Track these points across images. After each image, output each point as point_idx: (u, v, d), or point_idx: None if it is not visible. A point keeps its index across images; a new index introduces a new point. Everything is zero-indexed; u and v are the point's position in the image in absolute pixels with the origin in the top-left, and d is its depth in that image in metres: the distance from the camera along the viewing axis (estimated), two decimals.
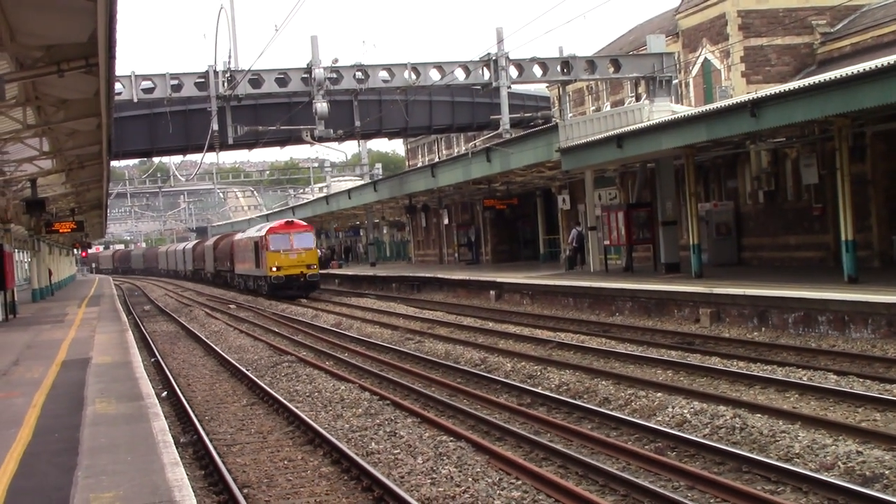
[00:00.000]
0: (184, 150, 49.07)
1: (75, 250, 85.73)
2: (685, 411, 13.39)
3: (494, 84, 36.31)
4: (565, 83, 38.91)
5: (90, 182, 37.79)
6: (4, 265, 32.30)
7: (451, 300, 39.51)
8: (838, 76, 20.04)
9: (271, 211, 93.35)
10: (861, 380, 15.15)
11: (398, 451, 12.48)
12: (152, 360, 24.27)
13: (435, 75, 37.15)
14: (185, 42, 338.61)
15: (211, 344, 26.86)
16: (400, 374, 19.91)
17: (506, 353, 21.12)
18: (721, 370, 16.74)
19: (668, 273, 30.70)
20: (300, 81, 35.60)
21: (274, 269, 45.61)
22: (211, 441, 13.58)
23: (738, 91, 36.12)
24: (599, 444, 12.39)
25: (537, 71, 37.50)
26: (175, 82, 35.23)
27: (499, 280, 36.91)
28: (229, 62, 35.54)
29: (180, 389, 18.65)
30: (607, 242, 35.68)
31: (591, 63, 38.21)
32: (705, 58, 40.51)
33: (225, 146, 40.29)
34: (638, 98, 41.55)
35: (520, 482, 10.83)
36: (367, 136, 54.20)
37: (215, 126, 35.91)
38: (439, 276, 44.34)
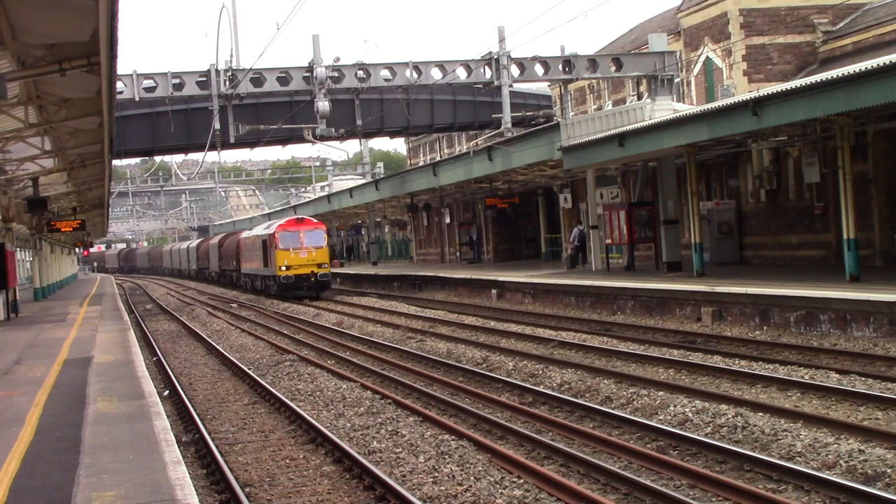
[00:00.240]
0: (185, 149, 49.02)
1: (77, 249, 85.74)
2: (687, 410, 13.38)
3: (496, 83, 36.31)
4: (567, 82, 38.91)
5: (92, 181, 37.80)
6: (6, 264, 32.31)
7: (453, 299, 39.51)
8: (840, 75, 20.02)
9: (273, 210, 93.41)
10: (863, 378, 15.14)
11: (400, 449, 12.48)
12: (154, 358, 24.28)
13: (436, 74, 37.15)
14: (186, 41, 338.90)
15: (212, 343, 26.86)
16: (402, 372, 19.92)
17: (507, 351, 21.12)
18: (723, 369, 16.73)
19: (670, 272, 30.69)
20: (302, 80, 35.61)
21: (283, 268, 43.95)
22: (213, 440, 13.58)
23: (740, 90, 36.12)
24: (601, 442, 12.39)
25: (539, 70, 37.49)
26: (177, 81, 35.24)
27: (500, 279, 36.91)
28: (231, 61, 35.56)
29: (182, 388, 18.65)
30: (609, 241, 35.67)
31: (592, 62, 38.20)
32: (707, 56, 40.50)
33: (226, 145, 40.29)
34: (639, 97, 41.53)
35: (521, 481, 10.83)
36: (369, 135, 54.17)
37: (217, 125, 35.92)
38: (441, 274, 44.35)
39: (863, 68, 19.28)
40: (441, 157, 72.87)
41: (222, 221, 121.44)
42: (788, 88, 22.10)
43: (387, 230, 79.67)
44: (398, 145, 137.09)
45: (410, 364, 20.88)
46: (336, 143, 60.68)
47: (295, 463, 12.46)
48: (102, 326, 28.28)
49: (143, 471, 9.42)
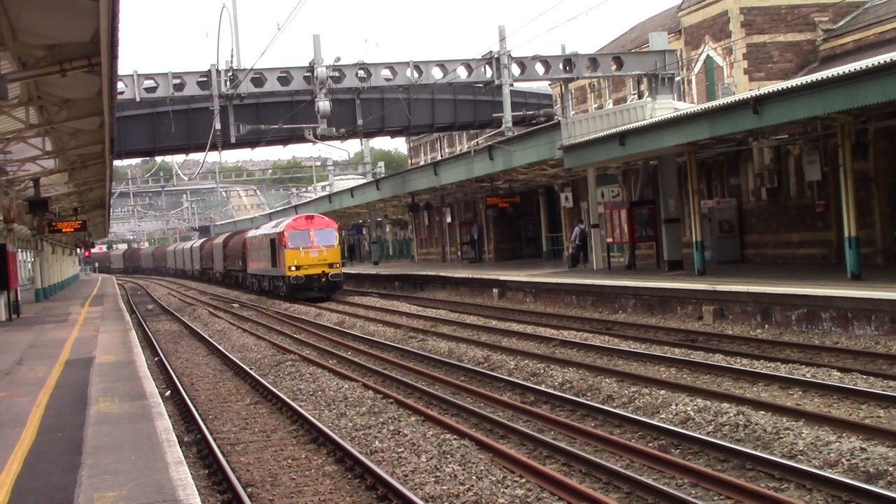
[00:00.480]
0: (186, 150, 49.12)
1: (78, 250, 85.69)
2: (689, 408, 13.38)
3: (497, 82, 36.35)
4: (567, 81, 38.95)
5: (93, 181, 37.82)
6: (7, 265, 32.32)
7: (454, 298, 39.52)
8: (841, 73, 20.01)
9: (274, 210, 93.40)
10: (865, 376, 15.14)
11: (402, 449, 12.48)
12: (156, 359, 24.29)
13: (437, 73, 37.17)
14: (187, 41, 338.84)
15: (214, 343, 26.87)
16: (403, 372, 19.92)
17: (509, 351, 21.12)
18: (724, 367, 16.73)
19: (671, 270, 30.67)
20: (302, 80, 35.65)
21: (292, 268, 42.14)
22: (214, 440, 13.59)
23: (741, 88, 36.12)
24: (603, 441, 12.39)
25: (539, 69, 37.52)
26: (177, 81, 35.28)
27: (502, 278, 36.91)
28: (231, 61, 35.62)
29: (184, 388, 18.66)
30: (610, 240, 35.66)
31: (593, 61, 38.22)
32: (708, 55, 40.50)
33: (227, 145, 40.35)
34: (640, 95, 41.53)
35: (523, 480, 10.84)
36: (370, 134, 54.23)
37: (218, 125, 35.97)
38: (442, 274, 44.35)
39: (864, 66, 19.28)
40: (442, 156, 72.89)
41: (223, 221, 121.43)
42: (789, 87, 22.09)
43: (388, 230, 79.70)
44: (399, 145, 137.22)
45: (412, 363, 20.88)
46: (337, 143, 60.84)
47: (297, 463, 12.47)
48: (104, 327, 28.29)
49: (145, 471, 9.43)
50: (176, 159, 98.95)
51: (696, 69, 41.53)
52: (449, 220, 58.57)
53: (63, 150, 27.71)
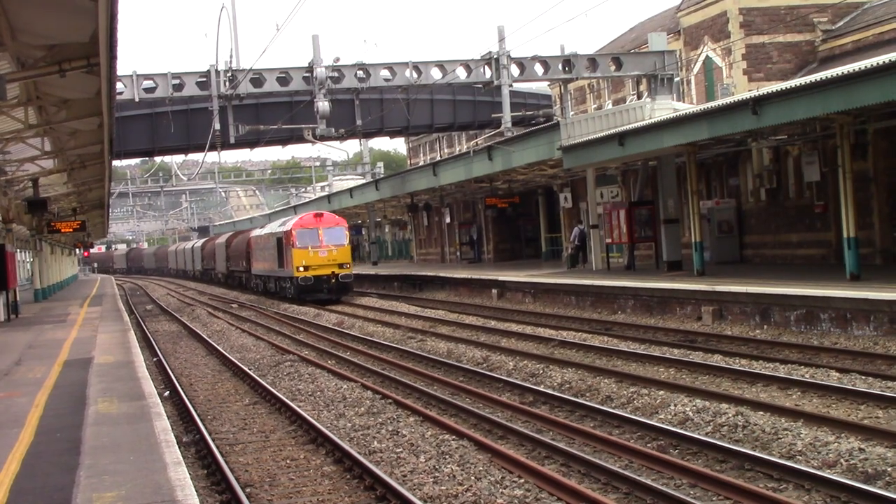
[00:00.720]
0: (185, 150, 49.06)
1: (77, 250, 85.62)
2: (687, 409, 13.38)
3: (496, 82, 36.33)
4: (567, 81, 38.93)
5: (92, 182, 37.83)
6: (6, 265, 32.32)
7: (453, 299, 39.52)
8: (840, 74, 20.02)
9: (273, 210, 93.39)
10: (863, 377, 15.14)
11: (400, 449, 12.48)
12: (154, 359, 24.28)
13: (436, 74, 37.16)
14: (186, 41, 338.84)
15: (213, 343, 26.86)
16: (402, 372, 19.92)
17: (508, 351, 21.12)
18: (723, 368, 16.73)
19: (671, 271, 30.68)
20: (302, 80, 35.63)
21: (301, 268, 40.44)
22: (213, 440, 13.58)
23: (740, 89, 36.12)
24: (602, 442, 12.39)
25: (539, 69, 37.51)
26: (176, 82, 35.26)
27: (501, 278, 36.91)
28: (231, 61, 35.60)
29: (182, 389, 18.66)
30: (609, 240, 35.67)
31: (592, 61, 38.21)
32: (707, 55, 40.50)
33: (226, 145, 40.34)
34: (639, 96, 41.53)
35: (522, 480, 10.84)
36: (369, 134, 54.21)
37: (217, 125, 35.95)
38: (441, 274, 44.35)
39: (862, 67, 19.29)
40: (441, 156, 72.89)
41: (222, 222, 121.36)
42: (788, 87, 22.10)
43: (387, 230, 79.70)
44: (398, 145, 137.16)
45: (411, 364, 20.88)
46: (336, 143, 60.72)
47: (295, 463, 12.46)
48: (103, 327, 28.28)
49: (143, 471, 9.42)
50: (175, 159, 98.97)
51: (696, 70, 41.54)
52: (448, 220, 58.57)
53: (62, 151, 27.72)
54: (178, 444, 10.99)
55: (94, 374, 17.02)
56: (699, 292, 24.52)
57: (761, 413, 12.87)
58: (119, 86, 32.01)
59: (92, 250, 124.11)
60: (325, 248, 40.70)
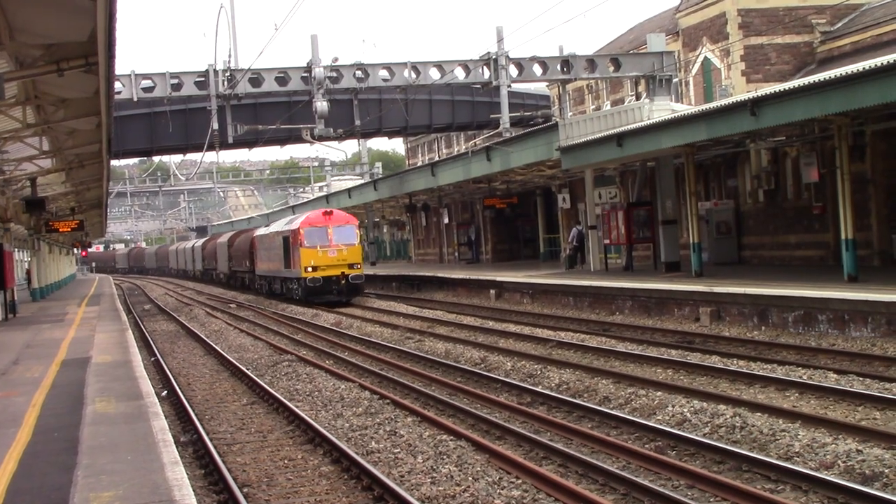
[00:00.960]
0: (184, 150, 49.06)
1: (75, 249, 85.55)
2: (685, 410, 13.38)
3: (494, 83, 36.31)
4: (565, 82, 38.91)
5: (90, 181, 37.79)
6: (4, 264, 32.29)
7: (452, 299, 39.51)
8: (838, 75, 20.04)
9: (272, 210, 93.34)
10: (861, 378, 15.15)
11: (398, 450, 12.48)
12: (152, 359, 24.27)
13: (435, 74, 37.15)
14: (185, 41, 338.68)
15: (211, 343, 26.85)
16: (400, 373, 19.92)
17: (506, 351, 21.12)
18: (721, 369, 16.74)
19: (669, 272, 30.70)
20: (300, 80, 35.61)
21: (309, 269, 38.65)
22: (211, 440, 13.58)
23: (738, 90, 36.14)
24: (599, 442, 12.39)
25: (537, 70, 37.50)
26: (175, 81, 35.23)
27: (499, 279, 36.91)
28: (229, 61, 35.56)
29: (180, 388, 18.64)
30: (607, 241, 35.69)
31: (591, 62, 38.21)
32: (705, 56, 40.52)
33: (225, 145, 40.30)
34: (638, 97, 41.53)
35: (520, 481, 10.83)
36: (367, 135, 54.17)
37: (215, 125, 35.90)
38: (439, 275, 44.34)
39: (861, 68, 19.30)
40: (439, 157, 72.90)
41: (221, 222, 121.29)
42: (786, 88, 22.12)
43: (385, 230, 79.69)
44: (396, 145, 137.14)
45: (409, 364, 20.88)
46: (334, 144, 60.62)
47: (293, 463, 12.46)
48: (101, 327, 28.27)
49: (141, 471, 9.42)
50: (173, 159, 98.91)
51: (694, 71, 41.56)
52: (446, 220, 58.56)
53: (60, 150, 27.69)
54: (175, 443, 10.99)
55: (91, 374, 17.01)
56: (697, 293, 24.53)
57: (759, 414, 12.88)
58: (117, 85, 31.97)
59: (92, 250, 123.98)
60: (335, 247, 39.10)
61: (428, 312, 32.83)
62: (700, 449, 11.65)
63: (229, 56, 35.94)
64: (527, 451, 12.36)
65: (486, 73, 36.49)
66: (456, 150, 70.57)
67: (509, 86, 36.95)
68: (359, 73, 36.37)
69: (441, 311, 33.59)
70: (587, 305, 29.81)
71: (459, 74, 37.10)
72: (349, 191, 62.05)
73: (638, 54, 40.05)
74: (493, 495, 10.25)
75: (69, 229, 41.27)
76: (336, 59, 36.23)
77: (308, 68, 35.18)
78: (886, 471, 10.04)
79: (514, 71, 36.73)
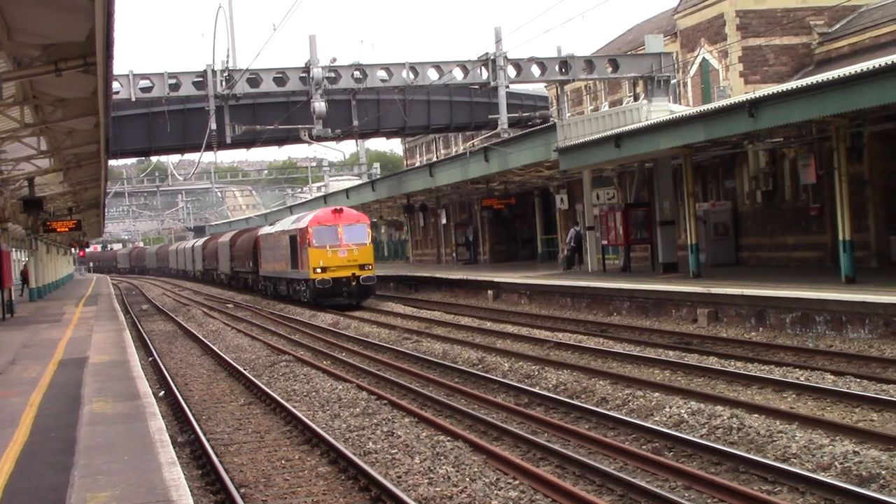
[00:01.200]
0: (182, 150, 49.06)
1: (73, 249, 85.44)
2: (682, 411, 13.39)
3: (492, 84, 36.31)
4: (563, 83, 38.92)
5: (88, 181, 37.77)
6: (2, 264, 32.27)
7: (449, 300, 39.51)
8: (836, 76, 20.05)
9: (270, 210, 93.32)
10: (858, 380, 15.16)
11: (395, 450, 12.48)
12: (149, 359, 24.26)
13: (433, 75, 37.14)
14: (183, 41, 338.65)
15: (208, 343, 26.84)
16: (397, 373, 19.91)
17: (503, 352, 21.12)
18: (718, 370, 16.74)
19: (666, 273, 30.71)
20: (298, 81, 35.59)
21: (318, 270, 36.84)
22: (208, 440, 13.57)
23: (736, 91, 36.14)
24: (597, 443, 12.39)
25: (535, 71, 37.51)
26: (173, 81, 35.22)
27: (496, 280, 36.91)
28: (227, 61, 35.53)
29: (177, 389, 18.64)
30: (605, 242, 35.70)
31: (589, 63, 38.22)
32: (703, 58, 40.53)
33: (223, 145, 40.31)
34: (636, 98, 41.54)
35: (517, 482, 10.84)
36: (365, 135, 54.18)
37: (213, 125, 35.88)
38: (437, 275, 44.34)
39: (859, 70, 19.30)
40: (437, 157, 72.90)
41: (218, 222, 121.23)
42: (784, 90, 22.13)
43: (383, 231, 79.68)
44: (395, 146, 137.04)
45: (406, 365, 20.88)
46: (332, 144, 60.46)
47: (290, 464, 12.46)
48: (98, 327, 28.25)
49: (138, 472, 9.41)
50: (171, 159, 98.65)
51: (692, 72, 41.57)
52: (444, 221, 58.57)
53: (58, 150, 27.67)
54: (172, 444, 10.98)
55: (89, 374, 17.00)
56: (695, 294, 24.53)
57: (756, 415, 12.88)
58: (115, 85, 31.94)
59: (90, 250, 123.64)
60: (346, 247, 37.22)
61: (425, 313, 32.84)
62: (697, 450, 11.66)
63: (227, 56, 35.90)
64: (524, 452, 12.36)
65: (485, 74, 36.49)
66: (454, 150, 70.55)
67: (507, 86, 36.93)
68: (357, 73, 36.37)
69: (439, 311, 33.58)
70: (585, 306, 29.81)
71: (458, 75, 37.09)
72: (347, 191, 62.01)
73: (636, 55, 40.06)
74: (490, 496, 10.25)
75: (67, 229, 41.23)
76: (334, 60, 36.22)
77: (306, 69, 35.18)
78: (883, 472, 10.05)
79: (512, 72, 36.74)
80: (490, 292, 36.98)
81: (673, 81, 39.26)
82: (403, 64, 36.79)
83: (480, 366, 19.64)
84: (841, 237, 22.81)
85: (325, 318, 33.06)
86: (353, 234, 37.59)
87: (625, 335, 23.29)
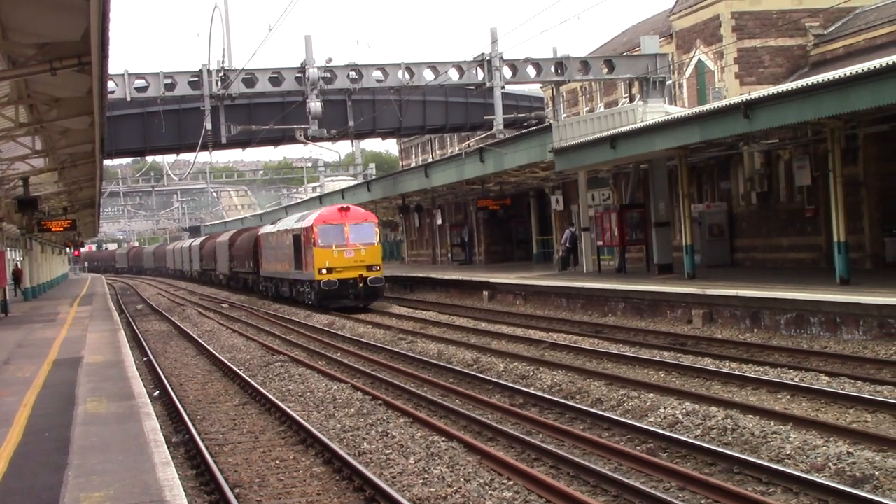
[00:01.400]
0: (177, 149, 49.05)
1: (68, 249, 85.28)
2: (677, 412, 13.40)
3: (488, 84, 36.34)
4: (559, 84, 38.96)
5: (83, 181, 37.71)
6: None
7: (444, 300, 39.50)
8: (831, 78, 20.08)
9: (265, 210, 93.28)
10: (852, 381, 15.18)
11: (390, 451, 12.48)
12: (144, 359, 24.23)
13: (429, 75, 37.16)
14: (178, 41, 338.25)
15: (203, 343, 26.82)
16: (392, 374, 19.91)
17: (498, 353, 21.12)
18: (713, 371, 16.76)
19: (661, 274, 30.72)
20: (294, 81, 35.60)
21: (323, 271, 35.44)
22: (202, 440, 13.56)
23: (732, 92, 36.18)
24: (591, 444, 12.40)
25: (531, 71, 37.54)
26: (168, 81, 35.21)
27: (492, 280, 36.91)
28: (223, 61, 35.55)
29: (172, 389, 18.62)
30: (600, 243, 35.70)
31: (584, 64, 38.25)
32: (699, 59, 40.57)
33: (218, 145, 40.27)
34: (632, 99, 41.59)
35: (511, 482, 10.84)
36: (361, 135, 54.17)
37: (209, 125, 35.89)
38: (432, 276, 44.33)
39: (854, 72, 19.33)
40: (433, 158, 72.90)
41: (214, 222, 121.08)
42: (780, 91, 22.15)
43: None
44: (390, 146, 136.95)
45: (401, 365, 20.87)
46: (328, 144, 60.46)
47: (285, 464, 12.45)
48: (93, 326, 28.22)
49: (132, 472, 9.41)
50: (167, 159, 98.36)
51: (688, 73, 41.60)
52: (439, 221, 58.55)
53: (53, 149, 27.63)
54: (167, 444, 10.98)
55: (83, 374, 16.98)
56: (690, 295, 24.55)
57: (750, 416, 12.90)
58: (111, 85, 31.96)
59: (90, 249, 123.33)
60: (352, 247, 35.76)
61: (420, 313, 32.84)
62: (692, 451, 11.67)
63: (223, 56, 35.96)
64: (519, 453, 12.36)
65: (480, 75, 36.51)
66: (449, 151, 70.59)
67: (503, 87, 36.98)
68: (353, 73, 36.38)
69: (434, 312, 33.58)
70: (580, 307, 29.82)
71: (453, 75, 37.12)
72: (342, 191, 62.00)
73: (632, 56, 40.11)
74: (484, 496, 10.25)
75: (62, 229, 41.20)
76: (330, 60, 36.22)
77: (302, 69, 35.18)
78: (877, 473, 10.06)
79: (507, 72, 36.77)
80: (485, 293, 36.98)
81: (668, 82, 39.31)
82: (399, 64, 36.81)
83: (475, 366, 19.64)
84: (836, 239, 22.82)
85: (320, 319, 33.05)
86: (361, 234, 36.26)
87: (620, 336, 23.30)
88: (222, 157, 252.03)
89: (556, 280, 33.12)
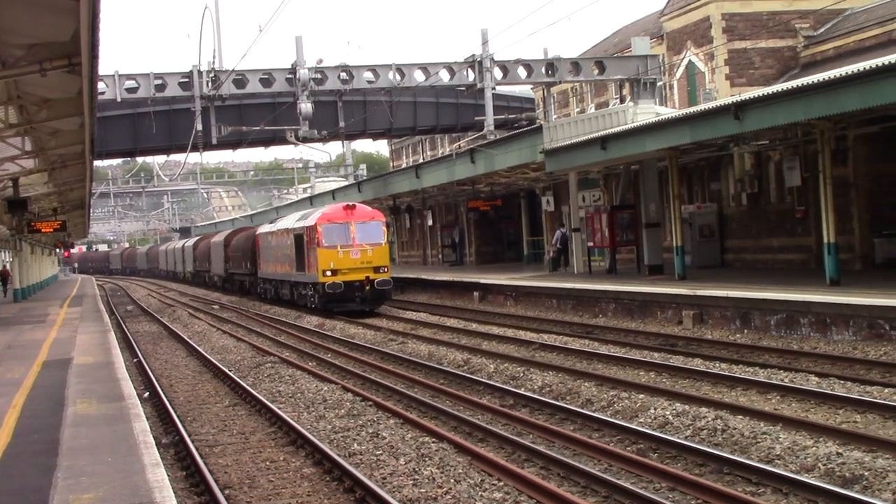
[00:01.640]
0: (167, 150, 49.00)
1: (58, 250, 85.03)
2: (667, 413, 13.42)
3: (479, 85, 36.33)
4: (550, 85, 38.99)
5: (73, 182, 37.59)
6: None
7: (435, 301, 39.50)
8: (821, 79, 20.14)
9: (256, 211, 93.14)
10: (842, 381, 15.22)
11: (380, 452, 12.47)
12: (134, 360, 24.17)
13: (419, 76, 37.16)
14: (169, 42, 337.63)
15: (194, 344, 26.77)
16: (383, 375, 19.89)
17: (489, 354, 21.13)
18: (703, 372, 16.79)
19: (652, 275, 30.76)
20: (284, 82, 35.56)
21: (328, 272, 33.60)
22: (192, 442, 13.53)
23: (722, 93, 36.26)
24: (581, 445, 12.41)
25: (522, 72, 37.55)
26: (159, 82, 35.13)
27: (482, 281, 36.92)
28: (213, 62, 35.47)
29: (162, 390, 18.59)
30: (591, 244, 35.74)
31: (575, 65, 38.28)
32: (689, 60, 40.65)
33: (209, 146, 40.20)
34: (622, 100, 41.63)
35: (502, 483, 10.84)
36: (352, 136, 54.18)
37: (199, 126, 35.81)
38: (423, 277, 44.33)
39: (843, 73, 19.39)
40: (424, 159, 72.90)
41: (204, 223, 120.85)
42: (770, 93, 22.21)
43: None
44: (381, 147, 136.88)
45: (391, 366, 20.86)
46: (319, 145, 60.01)
47: (275, 465, 12.44)
48: (83, 328, 28.14)
49: (121, 473, 9.38)
50: (157, 160, 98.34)
51: (678, 74, 41.68)
52: (430, 222, 58.57)
53: (43, 150, 27.53)
54: (157, 445, 10.95)
55: (73, 375, 16.93)
56: (680, 296, 24.59)
57: (740, 417, 12.92)
58: (101, 86, 31.89)
59: (82, 250, 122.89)
60: (358, 247, 33.90)
61: (411, 314, 32.82)
62: (682, 451, 11.68)
63: (213, 57, 35.84)
64: (509, 454, 12.36)
65: (471, 76, 36.51)
66: (440, 152, 70.58)
67: (494, 88, 36.97)
68: (343, 74, 36.36)
69: (424, 313, 33.56)
70: (570, 308, 29.84)
71: (444, 76, 37.11)
72: (333, 192, 61.92)
73: (622, 57, 40.16)
74: (474, 497, 10.25)
75: (52, 230, 41.05)
76: (321, 61, 36.19)
77: (293, 70, 35.14)
78: (866, 473, 10.09)
79: (498, 73, 36.78)
80: (476, 294, 36.99)
81: (659, 84, 39.34)
82: (390, 65, 36.80)
83: (466, 367, 19.65)
84: (825, 240, 22.90)
85: (310, 320, 33.01)
86: (367, 233, 34.43)
87: (610, 337, 23.33)
88: (213, 157, 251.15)
89: (546, 281, 33.15)
